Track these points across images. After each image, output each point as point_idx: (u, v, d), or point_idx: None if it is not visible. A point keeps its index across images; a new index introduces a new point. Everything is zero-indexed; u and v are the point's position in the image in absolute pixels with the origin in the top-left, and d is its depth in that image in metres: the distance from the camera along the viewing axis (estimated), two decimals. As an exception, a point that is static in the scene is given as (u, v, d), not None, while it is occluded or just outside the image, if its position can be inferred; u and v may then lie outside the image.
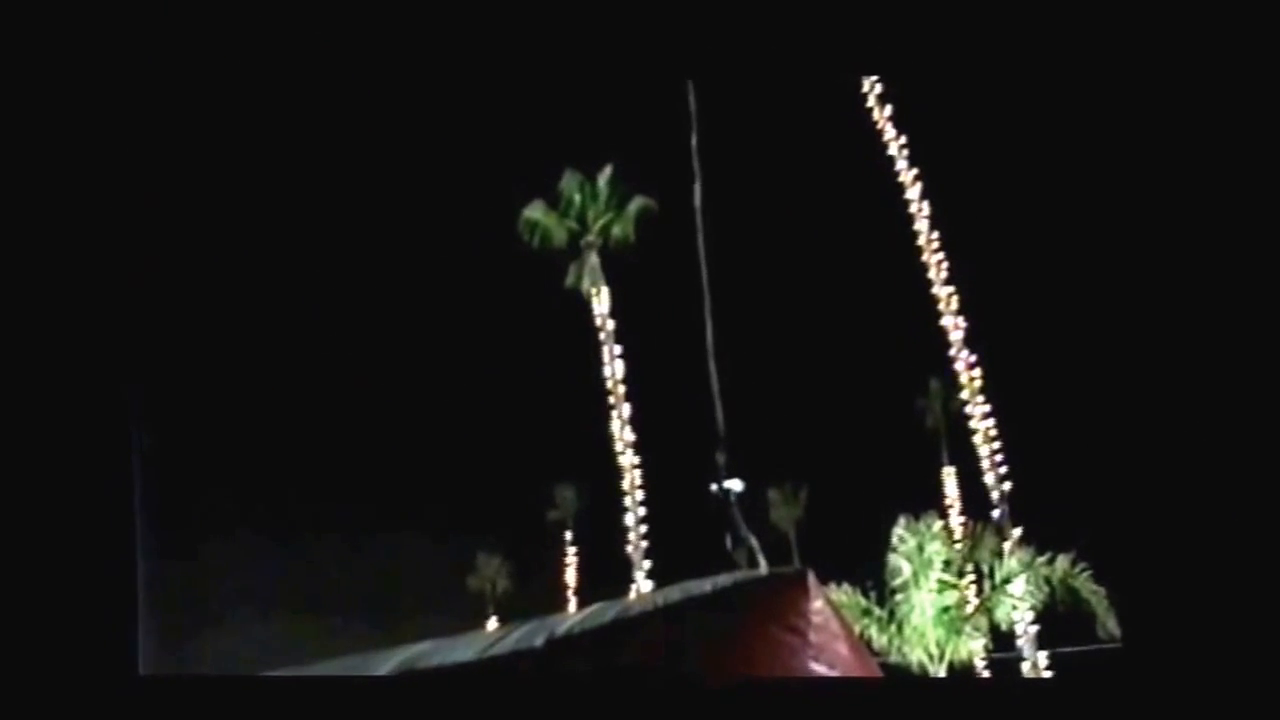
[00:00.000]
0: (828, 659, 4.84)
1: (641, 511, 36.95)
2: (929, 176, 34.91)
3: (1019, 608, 28.39)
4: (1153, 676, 5.17)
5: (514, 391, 46.44)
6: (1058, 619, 27.92)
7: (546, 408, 44.34)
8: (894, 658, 25.56)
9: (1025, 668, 31.73)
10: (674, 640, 4.89)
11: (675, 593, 5.20)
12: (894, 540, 26.35)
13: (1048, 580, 26.64)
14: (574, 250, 39.35)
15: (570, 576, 51.51)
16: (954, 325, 34.23)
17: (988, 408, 33.76)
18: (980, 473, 33.99)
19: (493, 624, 40.69)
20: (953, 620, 26.19)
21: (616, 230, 39.24)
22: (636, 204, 39.11)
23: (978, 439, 33.94)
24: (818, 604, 4.96)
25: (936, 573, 26.11)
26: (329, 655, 6.00)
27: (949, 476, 40.84)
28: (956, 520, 34.32)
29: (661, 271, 32.44)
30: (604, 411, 37.76)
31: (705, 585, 5.18)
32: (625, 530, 37.12)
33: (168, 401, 36.45)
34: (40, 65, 5.16)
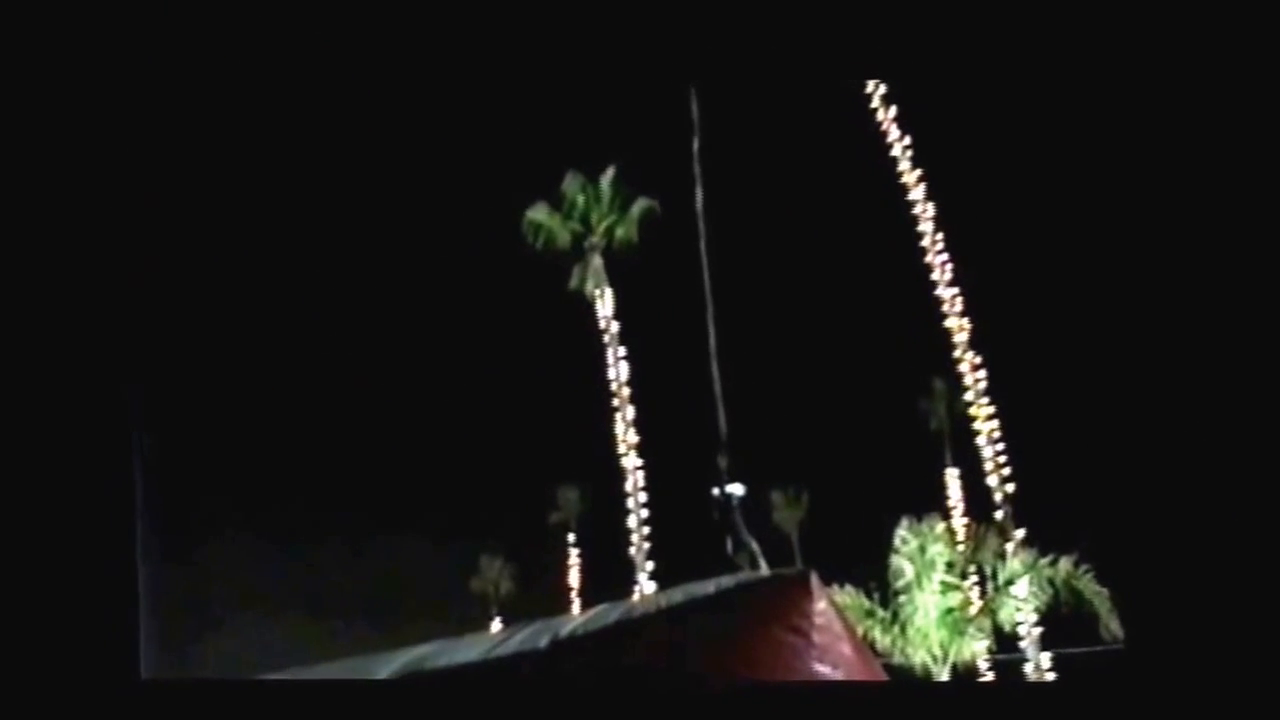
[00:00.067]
0: (831, 660, 4.84)
1: (644, 513, 36.95)
2: (932, 178, 34.92)
3: (1022, 609, 28.38)
4: (1155, 677, 5.17)
5: (517, 393, 46.45)
6: (1061, 620, 27.90)
7: (549, 410, 44.35)
8: (897, 659, 25.56)
9: (1028, 669, 31.72)
10: (677, 642, 4.90)
11: (678, 594, 5.20)
12: (897, 541, 26.35)
13: (1051, 581, 26.64)
14: (578, 252, 39.34)
15: (573, 578, 51.51)
16: (958, 327, 34.22)
17: (991, 409, 33.75)
18: (983, 474, 33.98)
19: (496, 626, 40.70)
20: (956, 622, 26.19)
21: (620, 232, 39.22)
22: (640, 206, 39.10)
23: (981, 440, 33.92)
24: (821, 605, 4.96)
25: (939, 574, 26.11)
26: (332, 658, 6.00)
27: (952, 478, 40.81)
28: (959, 521, 34.28)
29: (665, 273, 32.49)
30: (607, 413, 37.76)
31: (708, 587, 5.18)
32: (628, 532, 37.11)
33: (169, 404, 36.47)
34: (40, 66, 5.17)
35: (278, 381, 46.70)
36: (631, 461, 37.25)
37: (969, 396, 34.36)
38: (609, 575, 39.99)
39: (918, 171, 34.98)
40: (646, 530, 36.81)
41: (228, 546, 44.08)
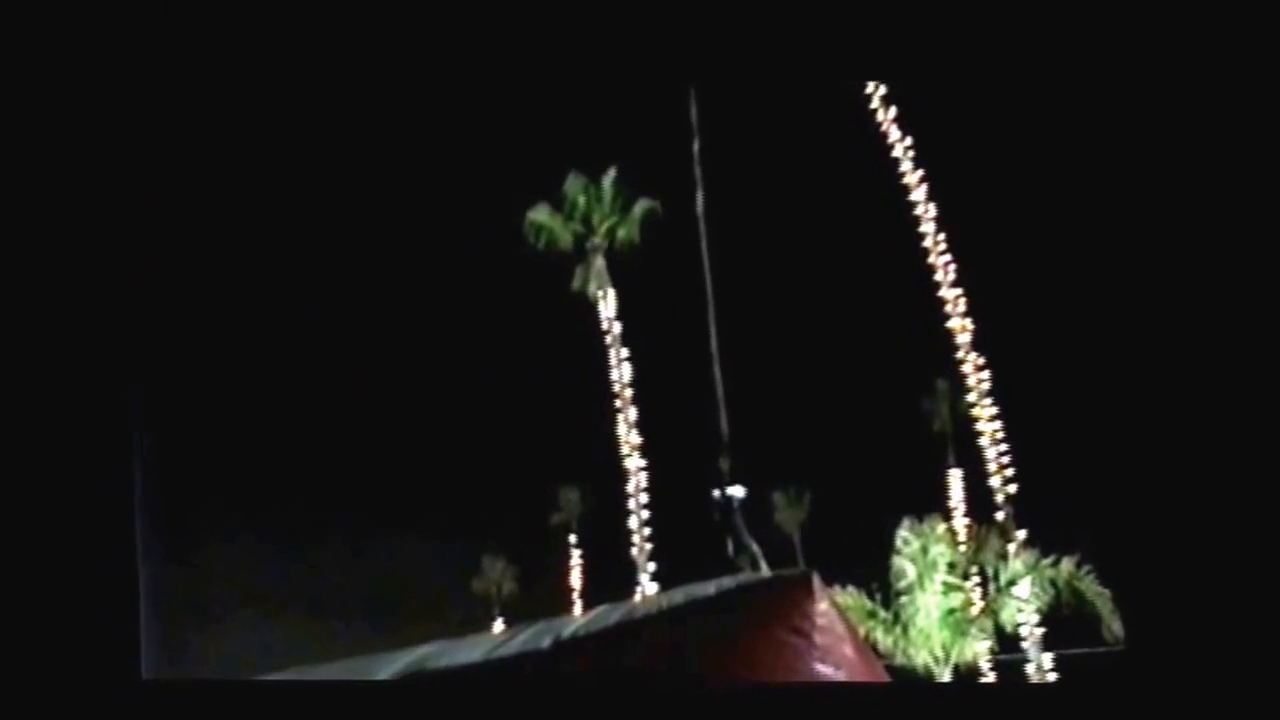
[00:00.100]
0: (833, 661, 4.84)
1: (646, 514, 36.96)
2: (934, 178, 34.91)
3: (1024, 610, 28.40)
4: (1158, 678, 5.16)
5: (519, 394, 46.45)
6: (1063, 621, 27.91)
7: (551, 410, 44.35)
8: (899, 660, 25.58)
9: (1030, 670, 31.72)
10: (679, 643, 4.89)
11: (680, 595, 5.20)
12: (899, 542, 26.39)
13: (1053, 582, 26.67)
14: (580, 253, 39.34)
15: (575, 579, 51.50)
16: (961, 327, 34.22)
17: (994, 410, 33.74)
18: (985, 475, 33.98)
19: (498, 626, 40.72)
20: (958, 622, 26.22)
21: (622, 233, 39.22)
22: (642, 206, 39.10)
23: (983, 441, 33.91)
24: (823, 606, 4.96)
25: (941, 575, 26.14)
26: (333, 659, 6.00)
27: (954, 479, 40.81)
28: (961, 522, 34.29)
29: (667, 274, 32.49)
30: (609, 414, 37.77)
31: (710, 588, 5.18)
32: (630, 533, 37.13)
33: (169, 405, 36.49)
34: (41, 68, 5.18)
35: (278, 382, 46.72)
36: (633, 462, 37.27)
37: (971, 397, 34.36)
38: (610, 576, 40.00)
39: (919, 172, 34.98)
40: (648, 531, 36.82)
41: (228, 547, 44.09)
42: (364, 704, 4.71)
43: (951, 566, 26.45)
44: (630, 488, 37.25)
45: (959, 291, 34.40)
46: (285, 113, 37.70)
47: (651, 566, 36.49)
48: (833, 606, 5.02)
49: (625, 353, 38.09)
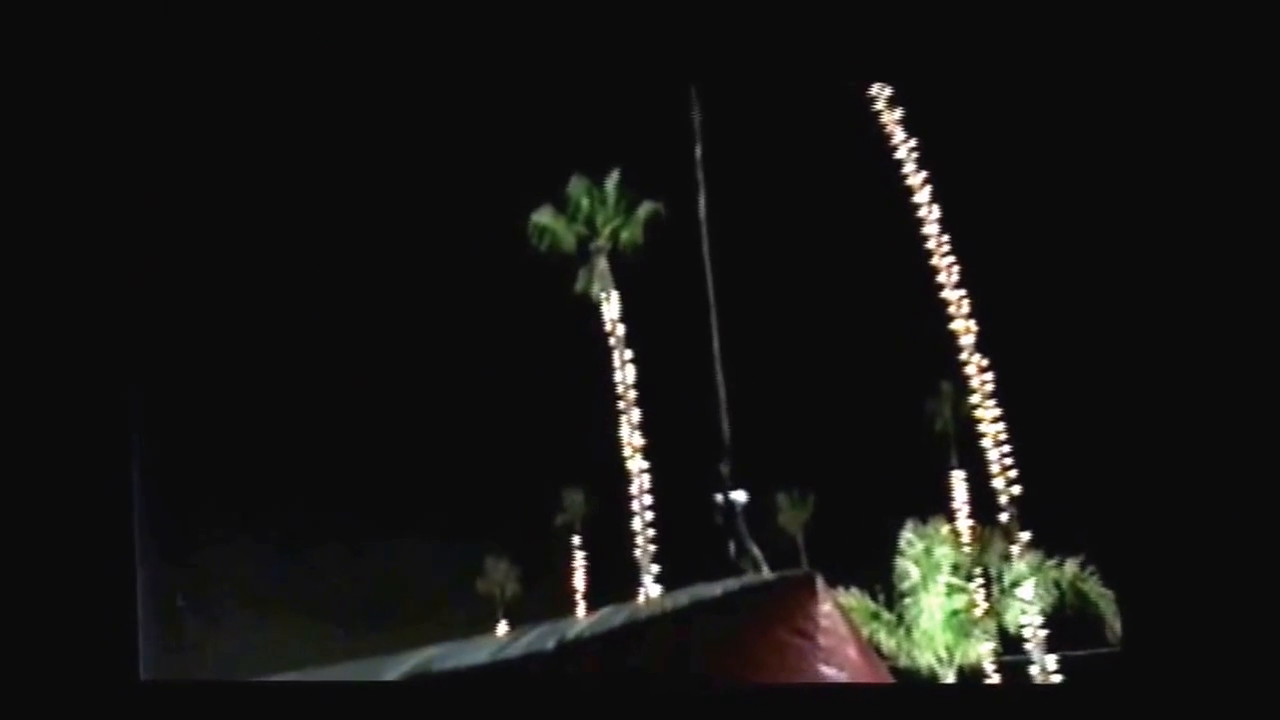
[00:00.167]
0: (837, 662, 4.86)
1: (649, 516, 36.96)
2: (938, 179, 34.92)
3: (1028, 611, 28.39)
4: (1161, 679, 5.19)
5: (522, 396, 46.47)
6: (1066, 622, 27.90)
7: (555, 412, 44.36)
8: (903, 661, 25.59)
9: (1034, 671, 31.72)
10: (683, 644, 4.92)
11: (684, 597, 5.23)
12: (902, 544, 26.39)
13: (1056, 584, 26.66)
14: (583, 255, 39.34)
15: (578, 581, 51.49)
16: (964, 329, 34.23)
17: (997, 411, 33.75)
18: (989, 476, 33.98)
19: (502, 628, 40.73)
20: (961, 624, 26.22)
21: (625, 235, 39.21)
22: (645, 208, 39.08)
23: (987, 443, 33.92)
24: (826, 607, 4.98)
25: (945, 576, 26.14)
26: (335, 660, 6.01)
27: (958, 480, 40.81)
28: (965, 524, 34.29)
29: (670, 276, 32.48)
30: (613, 416, 37.77)
31: (714, 589, 5.20)
32: (633, 534, 37.13)
33: (169, 405, 36.50)
34: (41, 68, 5.21)
35: (280, 383, 46.74)
36: (636, 464, 37.26)
37: (975, 399, 34.38)
38: (614, 577, 40.00)
39: (923, 173, 34.99)
40: (651, 533, 36.82)
41: (229, 549, 44.10)
42: (368, 705, 4.73)
43: (955, 568, 26.46)
44: (633, 489, 37.25)
45: (962, 293, 34.42)
46: (287, 114, 37.73)
47: (655, 568, 36.49)
48: (836, 608, 5.04)
49: (629, 354, 38.09)
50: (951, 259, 34.65)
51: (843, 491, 42.27)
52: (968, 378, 34.56)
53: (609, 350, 38.30)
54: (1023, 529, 31.65)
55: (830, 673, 4.86)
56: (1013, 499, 33.17)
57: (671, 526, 36.75)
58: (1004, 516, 32.83)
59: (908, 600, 26.05)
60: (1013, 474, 33.36)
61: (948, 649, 25.87)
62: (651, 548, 36.66)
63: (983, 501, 34.72)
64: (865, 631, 21.24)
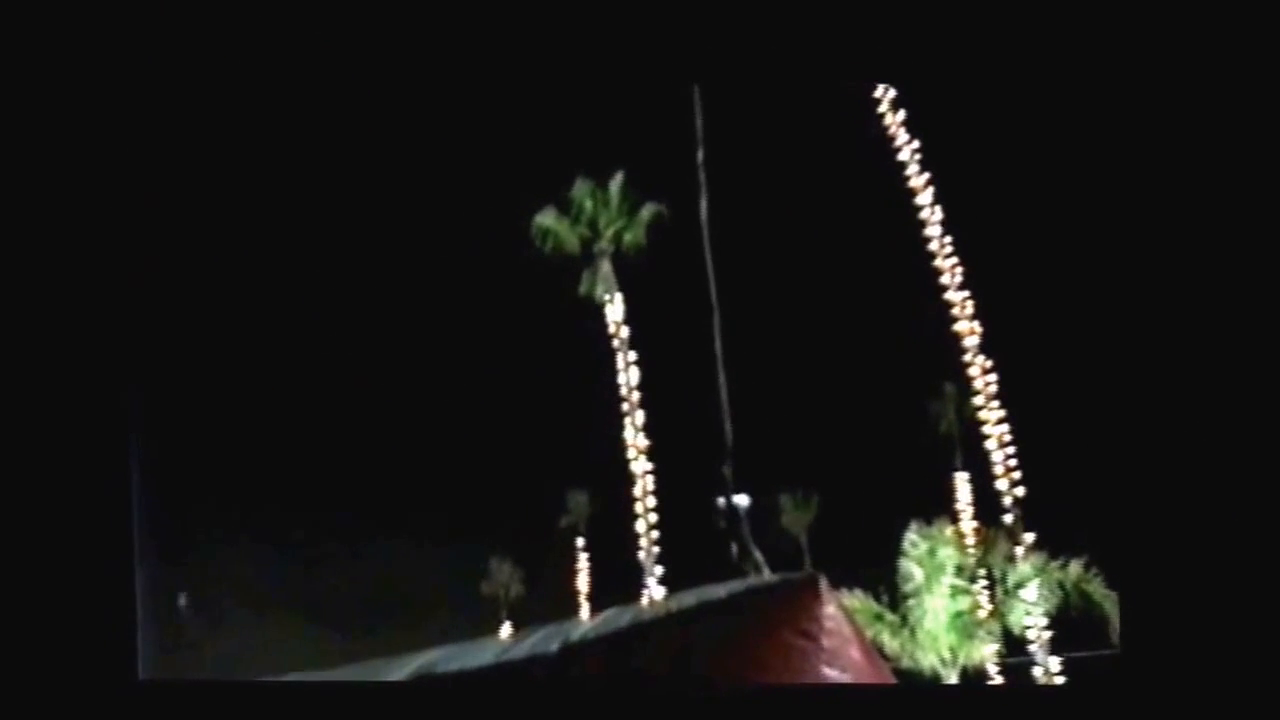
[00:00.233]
0: (840, 664, 4.86)
1: (653, 518, 36.96)
2: (941, 181, 34.90)
3: (1032, 613, 28.35)
4: (1164, 681, 5.18)
5: (525, 397, 46.48)
6: (1071, 624, 27.86)
7: (558, 414, 44.38)
8: (906, 663, 25.56)
9: (1038, 673, 31.70)
10: (688, 645, 4.92)
11: (689, 598, 5.23)
12: (906, 545, 26.36)
13: (1061, 585, 26.63)
14: (587, 257, 39.35)
15: (582, 582, 51.50)
16: (968, 331, 34.22)
17: (1001, 413, 33.74)
18: (993, 477, 33.97)
19: (506, 629, 40.72)
20: (965, 625, 26.19)
21: (628, 237, 39.23)
22: (648, 210, 39.10)
23: (991, 444, 33.90)
24: (830, 609, 4.98)
25: (948, 578, 26.12)
26: (337, 662, 6.01)
27: (961, 481, 40.80)
28: (969, 525, 34.26)
29: (674, 277, 32.47)
30: (616, 417, 37.77)
31: (719, 591, 5.21)
32: (636, 536, 37.13)
33: (169, 405, 36.51)
34: (40, 64, 5.19)
35: (282, 384, 46.75)
36: (641, 466, 37.26)
37: (978, 400, 34.37)
38: (617, 579, 40.02)
39: (926, 175, 34.97)
40: (655, 535, 36.82)
41: (229, 549, 44.09)
42: (371, 706, 4.73)
43: (959, 570, 26.43)
44: (637, 491, 37.25)
45: (966, 295, 34.41)
46: (289, 115, 37.73)
47: (658, 570, 36.49)
48: (840, 609, 5.04)
49: (632, 356, 38.10)
50: (955, 261, 34.63)
51: (846, 493, 42.30)
52: (971, 379, 34.55)
53: (612, 352, 38.32)
54: (1027, 530, 31.63)
55: (834, 674, 4.85)
56: (1016, 500, 33.16)
57: (675, 528, 36.76)
58: (1008, 518, 32.83)
59: (911, 602, 26.02)
60: (1016, 475, 33.35)
61: (951, 650, 25.84)
62: (655, 549, 36.66)
63: (987, 503, 34.71)
64: (869, 633, 21.23)
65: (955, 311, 34.41)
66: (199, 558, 41.55)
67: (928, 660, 25.88)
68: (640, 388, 37.86)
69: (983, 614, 26.79)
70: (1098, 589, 25.94)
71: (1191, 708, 4.89)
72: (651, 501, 37.07)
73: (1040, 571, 27.15)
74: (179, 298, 37.71)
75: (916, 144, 34.94)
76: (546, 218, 39.60)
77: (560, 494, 51.60)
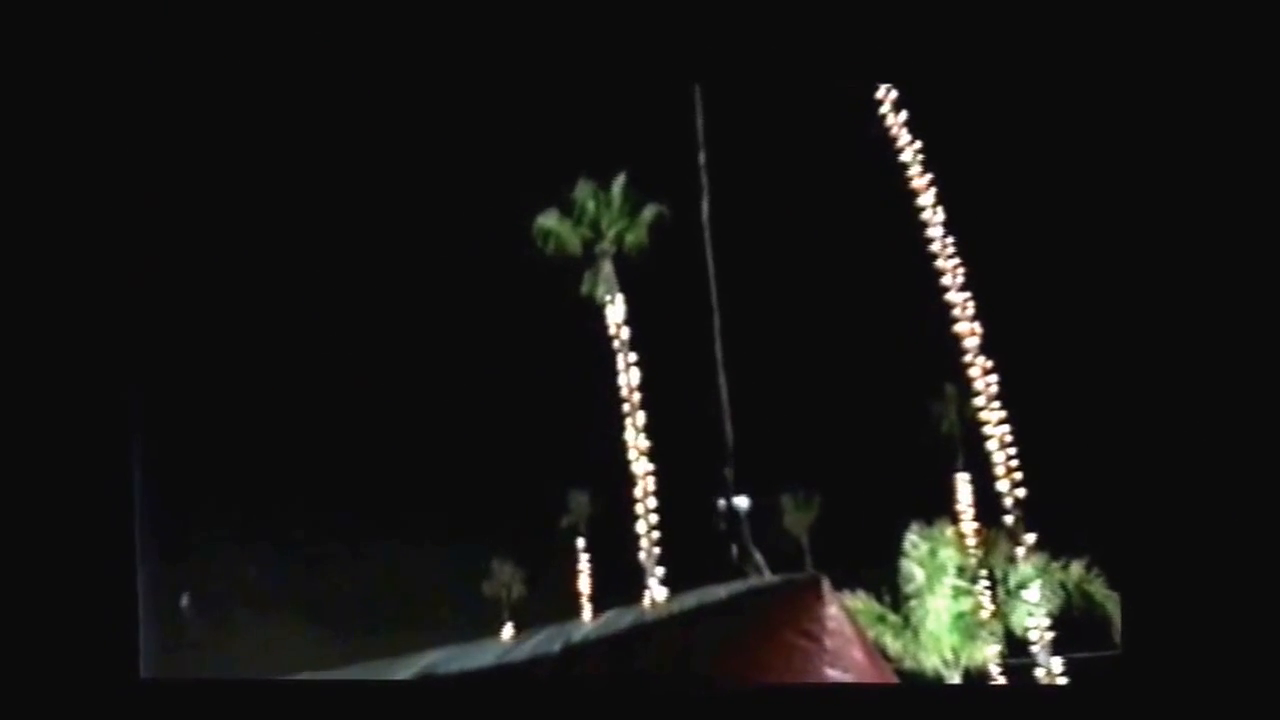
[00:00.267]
0: (843, 665, 4.85)
1: (655, 518, 36.96)
2: (942, 182, 34.90)
3: (1034, 613, 28.37)
4: (1166, 682, 5.18)
5: (527, 398, 46.49)
6: (1074, 624, 27.86)
7: (560, 414, 44.39)
8: (909, 664, 25.58)
9: (1040, 674, 31.70)
10: (689, 646, 4.91)
11: (691, 599, 5.23)
12: (907, 546, 26.39)
13: (1062, 585, 26.65)
14: (589, 258, 39.38)
15: (584, 583, 51.51)
16: (969, 332, 34.22)
17: (1002, 413, 33.73)
18: (994, 478, 33.94)
19: (508, 630, 40.73)
20: (967, 626, 26.21)
21: (630, 238, 39.26)
22: (650, 211, 39.12)
23: (992, 445, 33.89)
24: (832, 610, 4.97)
25: (950, 578, 26.14)
26: (338, 663, 6.01)
27: (963, 482, 40.81)
28: (970, 526, 34.27)
29: (675, 278, 32.46)
30: (617, 418, 37.79)
31: (720, 592, 5.20)
32: (638, 537, 37.13)
33: (169, 405, 36.49)
34: (40, 64, 5.19)
35: (283, 384, 46.75)
36: (642, 466, 37.27)
37: (979, 401, 34.36)
38: (619, 580, 40.03)
39: (927, 176, 34.96)
40: (656, 535, 36.82)
41: (230, 549, 44.07)
42: (373, 706, 4.72)
43: (960, 570, 26.46)
44: (638, 492, 37.26)
45: (967, 296, 34.41)
46: (292, 115, 37.74)
47: (659, 571, 36.49)
48: (842, 610, 5.04)
49: (633, 357, 38.11)
50: (956, 261, 34.63)
51: (848, 494, 42.31)
52: (972, 380, 34.54)
53: (613, 353, 38.33)
54: (1028, 531, 31.61)
55: (836, 675, 4.85)
56: (1018, 501, 33.14)
57: (676, 529, 36.76)
58: (1009, 519, 32.81)
59: (913, 603, 26.04)
60: (1018, 476, 33.33)
61: (954, 651, 25.86)
62: (656, 550, 36.67)
63: (988, 504, 34.68)
64: (871, 634, 21.23)
65: (956, 312, 34.40)
66: (201, 557, 41.53)
67: (930, 661, 25.90)
68: (641, 388, 37.88)
69: (984, 615, 26.80)
70: (1099, 589, 25.96)
71: (1192, 708, 4.89)
72: (653, 502, 37.08)
73: (1042, 572, 27.17)
74: (180, 298, 37.71)
75: (918, 145, 34.94)
76: (549, 219, 39.64)
77: (562, 495, 51.60)
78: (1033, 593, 27.15)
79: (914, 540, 26.38)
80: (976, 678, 26.86)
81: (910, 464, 40.52)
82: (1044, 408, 34.40)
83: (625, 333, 38.37)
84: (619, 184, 39.68)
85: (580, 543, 51.71)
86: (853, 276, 42.15)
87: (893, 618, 26.05)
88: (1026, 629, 29.13)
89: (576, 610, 45.45)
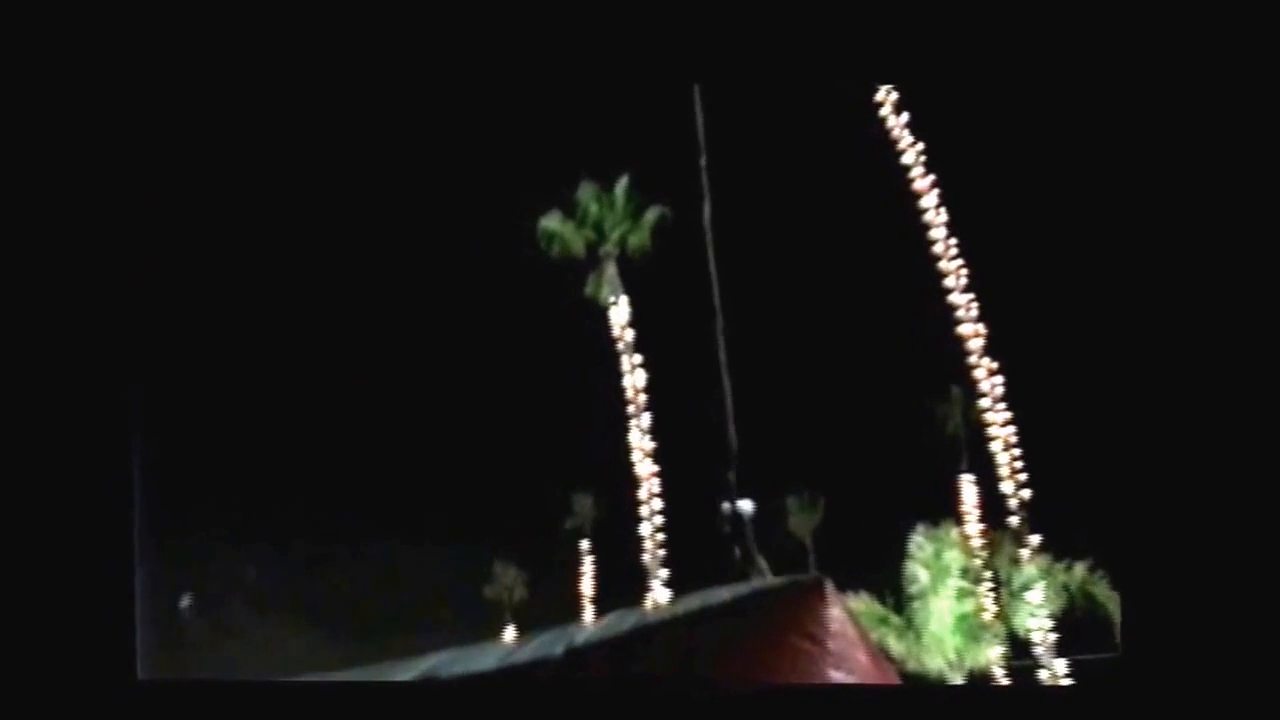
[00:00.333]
0: (847, 667, 4.83)
1: (658, 521, 36.92)
2: (945, 183, 34.87)
3: (1037, 615, 28.33)
4: (1168, 683, 5.15)
5: (530, 400, 46.45)
6: (1077, 626, 27.82)
7: (563, 416, 44.34)
8: (912, 666, 25.56)
9: (1044, 676, 31.66)
10: (693, 648, 4.89)
11: (694, 601, 5.21)
12: (911, 548, 26.37)
13: (1066, 587, 26.62)
14: (592, 260, 39.38)
15: (586, 585, 51.45)
16: (973, 333, 34.20)
17: (1007, 415, 33.70)
18: (998, 480, 33.90)
19: (510, 632, 40.72)
20: (971, 628, 26.19)
21: (633, 240, 39.25)
22: (653, 213, 39.11)
23: (996, 446, 33.86)
24: (836, 612, 4.96)
25: (954, 580, 26.12)
26: (339, 664, 5.99)
27: (967, 484, 40.77)
28: (974, 527, 34.24)
29: (679, 280, 32.44)
30: (622, 420, 37.76)
31: (724, 594, 5.18)
32: (641, 539, 37.09)
33: (169, 405, 36.46)
34: (40, 63, 5.18)
35: (284, 385, 46.69)
36: (645, 468, 37.23)
37: (984, 403, 34.32)
38: (621, 582, 39.98)
39: (930, 177, 34.94)
40: (660, 538, 36.78)
41: (230, 550, 44.00)
42: (376, 708, 4.70)
43: (964, 572, 26.44)
44: (642, 494, 37.22)
45: (971, 297, 34.38)
46: (293, 116, 37.73)
47: (663, 573, 36.45)
48: (846, 612, 5.02)
49: (638, 359, 38.09)
50: (960, 263, 34.61)
51: (852, 495, 42.24)
52: (977, 382, 34.52)
53: (617, 355, 38.32)
54: (1032, 533, 31.57)
55: (840, 677, 4.83)
56: (1022, 503, 33.09)
57: (680, 531, 36.73)
58: (1013, 520, 32.76)
59: (916, 604, 26.01)
60: (1022, 478, 33.29)
61: (957, 653, 25.83)
62: (660, 552, 36.63)
63: (992, 505, 34.64)
64: (874, 635, 21.21)
65: (960, 314, 34.38)
66: (200, 559, 41.48)
67: (934, 663, 25.88)
68: (645, 390, 37.85)
69: (988, 617, 26.76)
70: (1102, 591, 25.92)
71: (1193, 708, 4.87)
72: (656, 504, 37.04)
73: (1045, 574, 27.14)
74: (180, 298, 37.68)
75: (921, 146, 34.92)
76: (552, 221, 39.63)
77: (564, 497, 51.54)
78: (1036, 594, 27.10)
79: (918, 542, 26.37)
80: (980, 680, 26.84)
81: (915, 466, 40.47)
82: (1049, 409, 34.35)
83: (629, 334, 38.36)
84: (622, 186, 39.68)
85: (583, 545, 51.66)
86: (856, 278, 42.09)
87: (896, 619, 26.04)
88: (1029, 630, 29.11)
89: (579, 613, 45.43)
